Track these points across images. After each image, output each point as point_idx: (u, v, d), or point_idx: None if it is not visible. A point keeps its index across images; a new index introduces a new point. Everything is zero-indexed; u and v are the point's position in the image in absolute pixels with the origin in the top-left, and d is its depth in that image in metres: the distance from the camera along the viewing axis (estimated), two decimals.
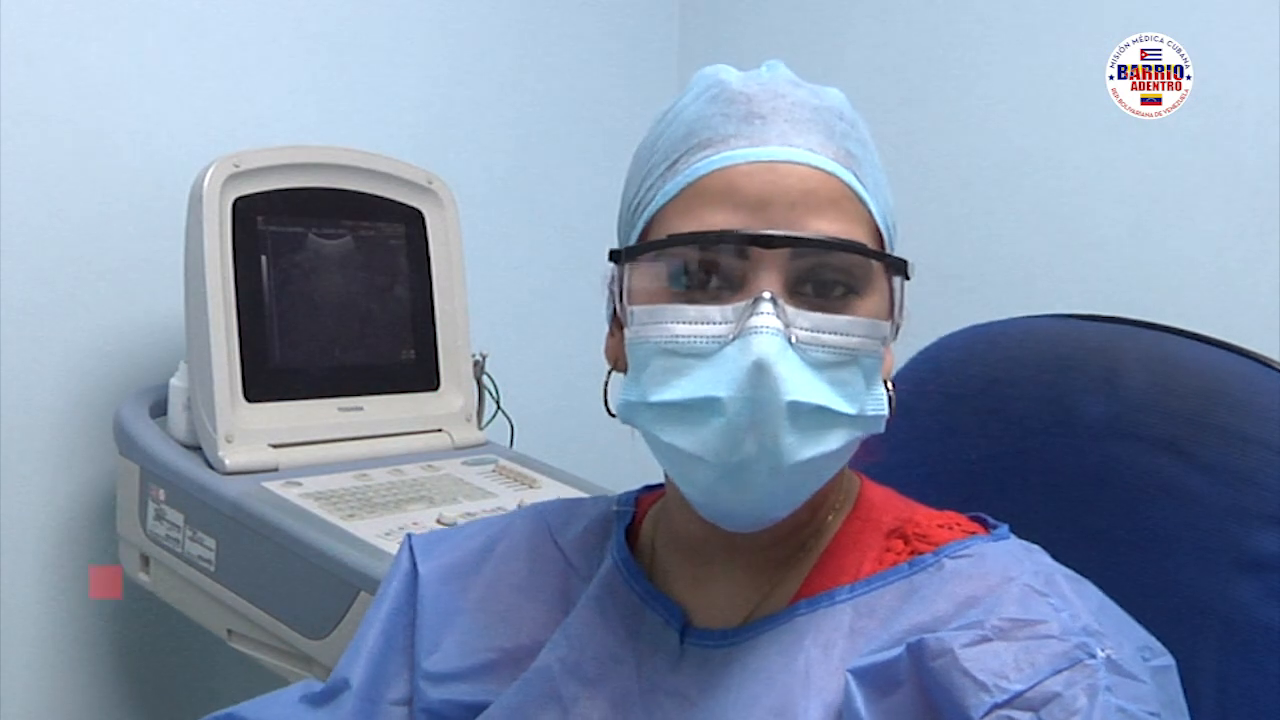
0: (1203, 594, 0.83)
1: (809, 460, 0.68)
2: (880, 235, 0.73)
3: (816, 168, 0.70)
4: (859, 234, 0.70)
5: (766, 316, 0.66)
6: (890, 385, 0.73)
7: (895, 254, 0.73)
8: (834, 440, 0.69)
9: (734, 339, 0.67)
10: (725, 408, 0.66)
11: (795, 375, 0.66)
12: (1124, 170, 1.72)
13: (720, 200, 0.69)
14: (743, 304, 0.67)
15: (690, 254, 0.69)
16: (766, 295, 0.66)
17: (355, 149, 1.57)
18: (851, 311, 0.69)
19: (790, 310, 0.67)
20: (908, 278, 0.72)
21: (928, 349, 1.00)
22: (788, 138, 0.70)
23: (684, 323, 0.68)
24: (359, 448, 1.51)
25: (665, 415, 0.69)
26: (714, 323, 0.68)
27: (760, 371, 0.65)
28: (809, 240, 0.68)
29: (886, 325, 0.71)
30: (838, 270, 0.69)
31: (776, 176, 0.69)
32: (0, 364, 1.48)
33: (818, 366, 0.67)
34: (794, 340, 0.67)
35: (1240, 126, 1.62)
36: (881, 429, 0.72)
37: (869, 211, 0.72)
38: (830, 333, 0.68)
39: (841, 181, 0.70)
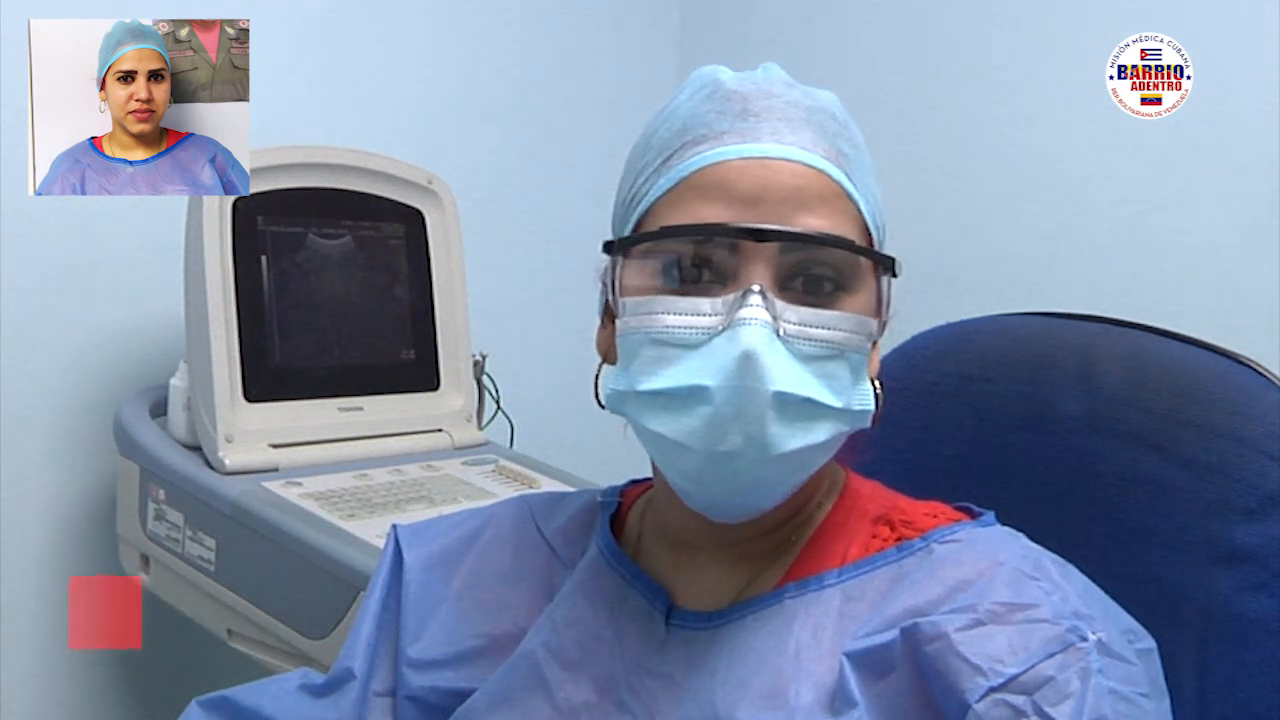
0: (1181, 586, 0.83)
1: (796, 451, 0.68)
2: (870, 234, 0.74)
3: (808, 165, 0.70)
4: (849, 231, 0.71)
5: (755, 309, 0.67)
6: (879, 384, 0.74)
7: (884, 252, 0.73)
8: (821, 432, 0.69)
9: (723, 330, 0.67)
10: (713, 396, 0.67)
11: (782, 366, 0.67)
12: (1124, 170, 1.72)
13: (713, 195, 0.70)
14: (733, 296, 0.68)
15: (682, 247, 0.70)
16: (756, 288, 0.67)
17: (355, 149, 1.57)
18: (840, 307, 0.70)
19: (779, 303, 0.68)
20: (895, 275, 0.73)
21: (901, 346, 1.01)
22: (781, 135, 0.71)
23: (675, 314, 0.69)
24: (359, 448, 1.51)
25: (653, 404, 0.70)
26: (704, 314, 0.68)
27: (748, 361, 0.66)
28: (799, 235, 0.68)
29: (874, 322, 0.72)
30: (827, 266, 0.70)
31: (769, 172, 0.70)
32: (0, 364, 1.48)
33: (805, 359, 0.68)
34: (782, 333, 0.67)
35: (1240, 126, 1.62)
36: (868, 424, 0.73)
37: (859, 210, 0.72)
38: (818, 326, 0.68)
39: (832, 179, 0.71)
